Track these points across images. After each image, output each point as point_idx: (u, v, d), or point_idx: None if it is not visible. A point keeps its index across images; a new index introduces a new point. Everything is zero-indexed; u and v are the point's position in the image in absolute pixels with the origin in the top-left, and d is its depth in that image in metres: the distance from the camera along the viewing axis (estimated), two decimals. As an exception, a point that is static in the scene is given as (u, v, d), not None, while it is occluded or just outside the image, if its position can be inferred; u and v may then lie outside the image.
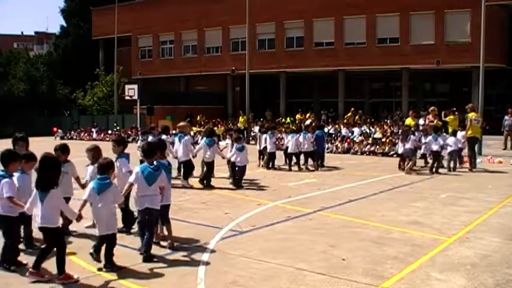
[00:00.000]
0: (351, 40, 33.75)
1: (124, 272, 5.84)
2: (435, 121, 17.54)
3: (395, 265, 6.06)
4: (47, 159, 5.80)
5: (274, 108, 36.04)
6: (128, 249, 6.66)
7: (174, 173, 11.48)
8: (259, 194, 11.39)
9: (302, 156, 16.30)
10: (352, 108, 30.31)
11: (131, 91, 34.83)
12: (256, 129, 26.47)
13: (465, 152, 15.99)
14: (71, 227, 7.42)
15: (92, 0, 46.28)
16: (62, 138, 35.76)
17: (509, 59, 30.59)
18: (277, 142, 17.76)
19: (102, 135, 34.55)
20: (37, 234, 6.31)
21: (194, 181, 12.52)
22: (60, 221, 5.98)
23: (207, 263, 6.15)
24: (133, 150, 7.74)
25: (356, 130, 25.19)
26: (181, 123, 14.32)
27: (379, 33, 32.72)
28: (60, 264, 5.54)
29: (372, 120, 28.90)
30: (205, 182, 12.39)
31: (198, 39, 40.23)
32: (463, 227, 8.02)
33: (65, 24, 51.93)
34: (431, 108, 18.98)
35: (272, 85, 37.30)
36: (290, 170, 15.72)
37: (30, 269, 5.59)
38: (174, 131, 15.66)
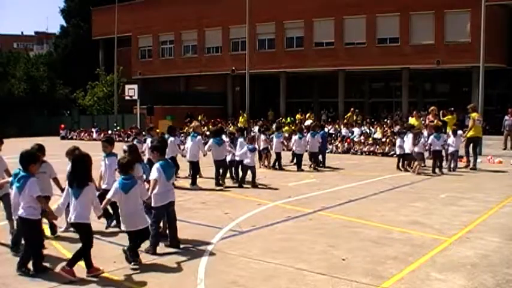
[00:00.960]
0: (351, 40, 33.71)
1: (124, 272, 5.84)
2: (435, 121, 17.55)
3: (395, 265, 6.06)
4: (81, 156, 6.00)
5: (274, 108, 36.02)
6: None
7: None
8: (259, 194, 11.39)
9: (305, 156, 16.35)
10: (352, 108, 30.32)
11: (131, 91, 34.82)
12: (256, 129, 26.47)
13: (461, 152, 16.05)
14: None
15: (92, 0, 46.28)
16: (63, 138, 35.84)
17: (509, 59, 30.55)
18: (285, 142, 17.85)
19: (102, 135, 34.52)
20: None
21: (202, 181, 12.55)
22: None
23: (207, 263, 6.14)
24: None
25: (356, 130, 25.19)
26: (195, 123, 14.50)
27: (379, 33, 32.68)
28: (87, 259, 5.70)
29: (372, 120, 28.89)
30: (220, 181, 12.46)
31: (198, 39, 40.21)
32: (463, 227, 8.02)
33: (65, 24, 51.96)
34: (431, 108, 19.00)
35: (272, 85, 37.28)
36: (300, 170, 15.74)
37: (65, 266, 5.66)
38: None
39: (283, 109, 35.74)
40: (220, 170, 12.57)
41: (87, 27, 47.57)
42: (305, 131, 18.04)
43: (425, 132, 16.62)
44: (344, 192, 11.51)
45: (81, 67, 44.33)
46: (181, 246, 6.84)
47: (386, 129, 24.55)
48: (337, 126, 27.24)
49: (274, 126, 21.32)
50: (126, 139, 31.49)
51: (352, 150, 22.16)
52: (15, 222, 6.46)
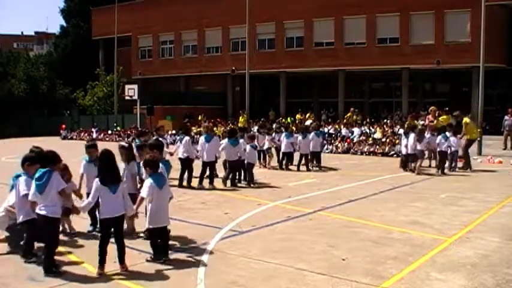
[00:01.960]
0: (351, 40, 33.70)
1: (124, 272, 5.84)
2: (435, 121, 17.54)
3: (395, 265, 6.06)
4: (109, 154, 6.08)
5: (275, 109, 36.01)
6: (127, 250, 6.63)
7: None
8: (259, 194, 11.39)
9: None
10: (352, 108, 30.35)
11: (131, 91, 34.84)
12: (256, 129, 26.43)
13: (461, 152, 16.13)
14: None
15: (92, 0, 46.27)
16: (64, 138, 35.83)
17: (509, 59, 30.54)
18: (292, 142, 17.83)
19: (102, 135, 34.56)
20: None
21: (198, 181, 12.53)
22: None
23: (207, 263, 6.15)
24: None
25: (356, 130, 25.18)
26: (208, 124, 14.48)
27: (379, 33, 32.67)
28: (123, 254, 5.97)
29: (372, 120, 28.89)
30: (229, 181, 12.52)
31: (198, 39, 40.20)
32: (463, 227, 8.02)
33: (65, 24, 51.92)
34: (431, 108, 19.01)
35: (272, 85, 37.27)
36: (308, 170, 15.78)
37: (121, 265, 5.88)
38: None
39: (283, 109, 35.74)
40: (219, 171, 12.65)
41: (87, 27, 47.56)
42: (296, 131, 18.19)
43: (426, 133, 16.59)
44: (344, 192, 11.51)
45: (81, 67, 44.31)
46: (182, 246, 6.85)
47: (386, 129, 24.56)
48: (337, 126, 27.23)
49: (274, 126, 21.30)
50: (126, 139, 31.57)
51: (352, 150, 22.15)
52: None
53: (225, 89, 39.35)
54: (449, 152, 15.33)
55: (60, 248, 6.57)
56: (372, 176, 14.30)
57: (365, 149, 21.73)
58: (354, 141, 23.11)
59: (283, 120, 31.80)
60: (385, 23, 32.31)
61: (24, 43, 79.32)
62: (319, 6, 33.54)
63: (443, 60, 29.70)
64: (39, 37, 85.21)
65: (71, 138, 35.31)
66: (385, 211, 9.31)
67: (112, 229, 5.95)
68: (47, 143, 18.52)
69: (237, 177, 12.99)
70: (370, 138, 22.85)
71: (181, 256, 6.48)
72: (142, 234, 7.18)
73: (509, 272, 5.83)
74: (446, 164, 15.20)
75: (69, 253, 6.57)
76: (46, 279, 5.61)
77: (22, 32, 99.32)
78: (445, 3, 29.85)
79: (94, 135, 34.71)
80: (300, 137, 16.26)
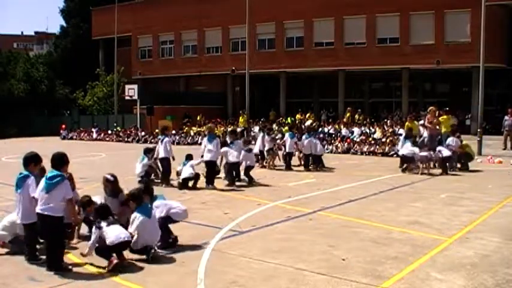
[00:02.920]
0: (351, 40, 33.70)
1: (124, 272, 5.85)
2: (434, 121, 17.52)
3: (395, 265, 6.06)
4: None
5: (275, 109, 36.01)
6: (127, 250, 6.64)
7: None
8: (259, 194, 11.39)
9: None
10: (349, 108, 30.36)
11: (131, 91, 34.83)
12: (256, 129, 26.48)
13: None
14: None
15: (92, 0, 46.26)
16: (63, 138, 35.83)
17: (509, 59, 30.54)
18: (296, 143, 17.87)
19: (102, 135, 34.53)
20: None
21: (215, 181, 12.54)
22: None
23: (206, 263, 6.14)
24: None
25: (356, 130, 25.18)
26: (211, 125, 14.56)
27: (379, 33, 32.68)
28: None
29: (372, 120, 28.88)
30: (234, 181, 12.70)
31: (198, 39, 40.20)
32: (463, 227, 8.02)
33: (64, 24, 51.90)
34: (430, 108, 18.99)
35: (272, 85, 37.27)
36: (309, 170, 15.80)
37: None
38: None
39: (283, 109, 35.74)
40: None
41: (87, 27, 47.53)
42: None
43: (425, 133, 16.61)
44: (344, 192, 11.51)
45: (81, 67, 44.27)
46: (182, 246, 6.85)
47: (386, 129, 24.55)
48: (337, 126, 27.24)
49: (274, 126, 21.32)
50: (126, 139, 31.57)
51: (352, 150, 22.14)
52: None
53: (225, 89, 39.35)
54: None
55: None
56: (371, 176, 14.30)
57: (365, 149, 21.73)
58: (355, 141, 23.11)
59: (283, 120, 31.83)
60: (385, 23, 32.32)
61: (24, 43, 79.24)
62: (319, 6, 33.55)
63: (443, 60, 29.71)
64: (39, 37, 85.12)
65: (71, 138, 35.29)
66: (385, 211, 9.31)
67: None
68: (47, 143, 18.58)
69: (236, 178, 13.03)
70: (370, 138, 22.86)
71: (181, 256, 6.48)
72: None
73: (509, 272, 5.83)
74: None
75: (67, 253, 6.55)
76: (46, 279, 5.61)
77: (22, 32, 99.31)
78: (445, 3, 29.86)
79: (94, 135, 34.72)
80: (304, 137, 16.30)
